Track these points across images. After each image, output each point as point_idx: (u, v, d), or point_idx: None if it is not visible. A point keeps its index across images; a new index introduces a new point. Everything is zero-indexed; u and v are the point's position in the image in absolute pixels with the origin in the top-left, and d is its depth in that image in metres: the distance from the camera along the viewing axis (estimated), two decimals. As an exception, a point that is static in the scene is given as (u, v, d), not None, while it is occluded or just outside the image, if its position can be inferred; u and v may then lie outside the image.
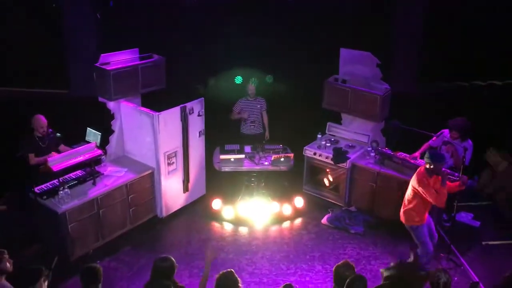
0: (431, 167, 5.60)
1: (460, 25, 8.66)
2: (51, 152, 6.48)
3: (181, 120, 6.97)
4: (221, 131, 8.13)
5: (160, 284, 4.07)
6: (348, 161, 7.33)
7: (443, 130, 6.80)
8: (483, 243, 6.80)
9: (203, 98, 7.21)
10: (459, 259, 6.41)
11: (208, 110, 7.33)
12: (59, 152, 6.58)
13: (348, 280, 3.96)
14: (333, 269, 4.33)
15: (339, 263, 4.34)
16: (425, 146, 6.97)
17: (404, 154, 7.06)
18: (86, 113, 7.65)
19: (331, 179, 7.56)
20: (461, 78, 9.40)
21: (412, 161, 6.82)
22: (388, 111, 7.61)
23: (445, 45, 8.71)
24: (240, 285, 3.98)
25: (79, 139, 7.08)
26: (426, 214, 5.90)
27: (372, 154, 7.36)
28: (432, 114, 7.76)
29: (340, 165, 7.39)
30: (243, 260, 6.47)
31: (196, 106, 7.14)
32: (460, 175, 6.10)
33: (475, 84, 9.41)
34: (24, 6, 7.98)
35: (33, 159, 6.44)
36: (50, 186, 6.21)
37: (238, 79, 7.52)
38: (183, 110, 6.94)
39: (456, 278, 6.04)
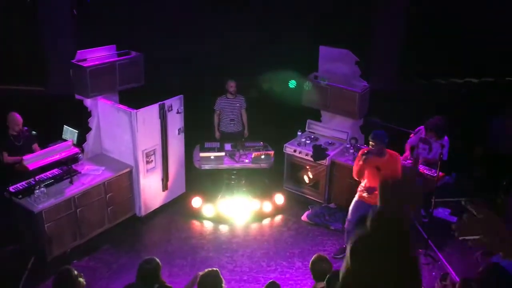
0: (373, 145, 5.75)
1: (439, 23, 8.78)
2: (26, 150, 6.36)
3: (160, 118, 6.91)
4: (201, 129, 8.08)
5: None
6: (327, 158, 7.37)
7: (420, 127, 6.89)
8: (460, 238, 6.89)
9: (182, 95, 7.15)
10: (437, 254, 6.50)
11: (187, 107, 7.28)
12: (32, 151, 6.45)
13: (327, 276, 3.98)
14: (309, 265, 4.37)
15: (313, 258, 4.38)
16: (408, 146, 7.04)
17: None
18: (63, 111, 7.53)
19: (311, 176, 7.59)
20: (439, 76, 9.53)
21: (404, 162, 6.78)
22: (367, 108, 7.67)
23: (424, 42, 8.82)
24: (223, 285, 3.97)
25: (56, 137, 6.97)
26: (358, 190, 6.13)
27: (351, 151, 7.41)
28: (411, 111, 7.84)
29: (319, 162, 7.42)
30: (223, 258, 6.46)
31: (175, 103, 7.09)
32: (437, 171, 6.21)
33: (452, 82, 9.56)
34: (0, 2, 7.81)
35: (7, 158, 6.31)
36: (26, 185, 6.09)
37: (292, 83, 7.48)
38: (161, 108, 6.88)
39: (434, 273, 6.13)
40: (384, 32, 8.92)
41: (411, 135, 6.99)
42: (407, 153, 6.97)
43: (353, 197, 7.15)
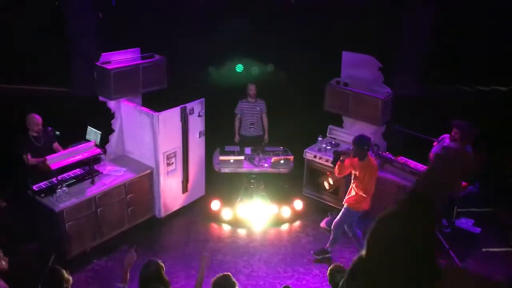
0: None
1: (465, 28, 8.60)
2: (47, 150, 6.44)
3: (181, 121, 6.96)
4: (221, 132, 8.11)
5: None
6: (348, 164, 7.28)
7: (444, 136, 6.75)
8: (483, 249, 6.74)
9: (203, 98, 7.19)
10: (458, 266, 6.35)
11: (209, 111, 7.32)
12: (53, 150, 6.56)
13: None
14: (328, 275, 4.34)
15: (331, 267, 4.33)
16: (432, 156, 6.91)
17: (405, 159, 7.02)
18: (87, 112, 7.64)
19: (331, 182, 7.52)
20: (465, 83, 9.34)
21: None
22: (390, 115, 7.57)
23: (450, 48, 8.65)
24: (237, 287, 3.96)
25: (79, 137, 7.07)
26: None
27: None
28: (436, 119, 7.70)
29: (340, 168, 7.34)
30: (240, 262, 6.45)
31: (197, 107, 7.13)
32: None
33: (478, 89, 9.35)
34: (27, 5, 7.99)
35: (31, 159, 6.42)
36: (48, 184, 6.21)
37: (239, 67, 7.38)
38: (183, 111, 6.93)
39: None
40: (408, 38, 8.80)
41: (434, 143, 6.86)
42: None
43: (373, 204, 7.09)
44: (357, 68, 7.55)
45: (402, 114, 7.60)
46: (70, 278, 4.11)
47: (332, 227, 6.42)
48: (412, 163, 6.92)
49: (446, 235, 6.87)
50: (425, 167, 6.80)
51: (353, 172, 6.10)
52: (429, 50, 8.83)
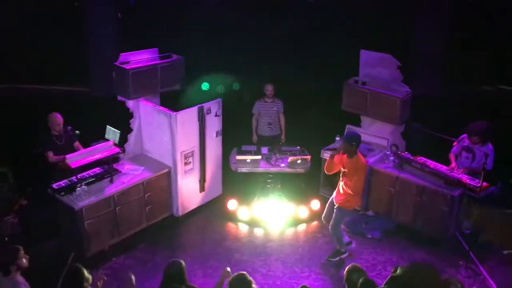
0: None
1: (486, 26, 8.45)
2: (68, 149, 6.56)
3: (199, 120, 6.99)
4: (238, 132, 8.12)
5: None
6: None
7: (464, 135, 6.65)
8: (504, 252, 6.60)
9: (220, 98, 7.21)
10: (479, 268, 6.24)
11: (226, 111, 7.34)
12: (74, 149, 6.66)
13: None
14: (344, 274, 4.32)
15: (348, 267, 4.32)
16: (452, 156, 6.82)
17: (424, 159, 6.93)
18: (106, 111, 7.73)
19: (348, 182, 7.45)
20: (486, 82, 9.18)
21: (451, 173, 6.58)
22: (408, 114, 7.47)
23: (470, 47, 8.51)
24: (253, 286, 3.95)
25: (98, 136, 7.16)
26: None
27: (391, 158, 7.24)
28: (456, 118, 7.58)
29: (358, 168, 7.29)
30: (257, 262, 6.45)
31: (214, 107, 7.15)
32: (480, 181, 5.98)
33: (500, 89, 9.18)
34: (47, 5, 8.12)
35: (52, 157, 6.54)
36: (68, 183, 6.30)
37: (205, 86, 7.25)
38: (200, 110, 6.96)
39: (475, 287, 5.90)
40: (427, 36, 8.67)
41: (454, 143, 6.75)
42: (453, 164, 6.71)
43: (392, 205, 7.04)
44: (376, 67, 7.48)
45: (421, 113, 7.51)
46: (90, 277, 4.18)
47: (330, 230, 6.35)
48: (432, 163, 6.82)
49: (466, 236, 6.77)
50: (444, 167, 6.70)
51: (342, 169, 6.08)
52: (448, 48, 8.70)
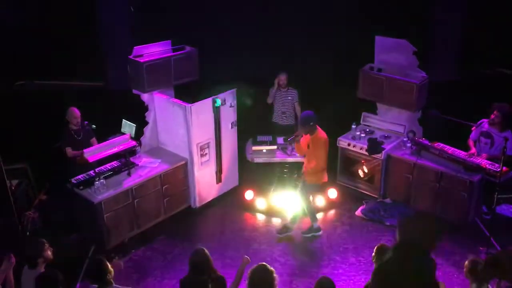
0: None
1: (504, 7, 8.26)
2: (85, 144, 6.63)
3: (213, 112, 6.99)
4: (253, 122, 8.10)
5: (195, 279, 4.11)
6: (383, 152, 7.16)
7: (482, 120, 6.55)
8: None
9: (235, 89, 7.19)
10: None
11: (240, 101, 7.32)
12: (91, 145, 6.72)
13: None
14: (374, 251, 4.38)
15: (379, 245, 4.44)
16: (471, 142, 6.73)
17: (442, 144, 6.84)
18: (122, 105, 7.77)
19: (366, 170, 7.41)
20: (505, 65, 8.99)
21: (469, 158, 6.51)
22: (425, 100, 7.38)
23: (488, 29, 8.32)
24: (275, 275, 3.94)
25: (115, 130, 7.20)
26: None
27: (408, 144, 7.17)
28: (474, 103, 7.45)
29: (375, 156, 7.24)
30: (275, 251, 6.46)
31: (228, 98, 7.14)
32: (500, 166, 5.90)
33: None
34: (60, 1, 8.16)
35: (70, 152, 6.61)
36: (87, 177, 6.37)
37: (218, 102, 7.17)
38: (215, 101, 6.95)
39: (496, 273, 5.82)
40: (443, 19, 8.50)
41: (473, 128, 6.65)
42: (473, 149, 6.62)
43: (410, 192, 6.98)
44: (391, 53, 7.38)
45: (438, 99, 7.40)
46: (112, 270, 4.24)
47: (303, 206, 6.66)
48: (450, 149, 6.74)
49: (486, 222, 6.68)
50: (463, 152, 6.61)
51: (306, 148, 6.36)
52: (466, 31, 8.52)
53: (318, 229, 6.73)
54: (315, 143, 6.25)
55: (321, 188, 6.92)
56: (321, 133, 6.31)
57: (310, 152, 6.32)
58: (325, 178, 6.57)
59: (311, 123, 6.19)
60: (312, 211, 6.73)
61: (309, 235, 6.71)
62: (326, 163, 6.45)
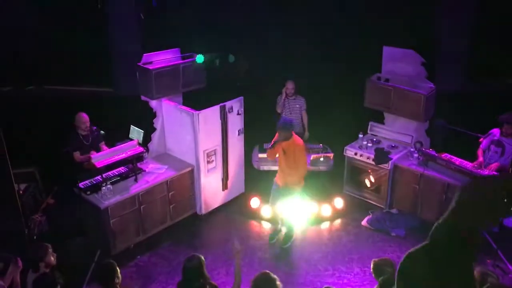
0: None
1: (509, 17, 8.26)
2: (94, 149, 6.68)
3: (221, 119, 7.02)
4: (260, 130, 8.11)
5: (190, 285, 4.12)
6: (390, 162, 7.15)
7: (491, 131, 6.53)
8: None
9: (242, 97, 7.22)
10: (507, 266, 6.12)
11: (248, 109, 7.35)
12: (100, 150, 6.77)
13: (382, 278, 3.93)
14: (372, 266, 4.33)
15: (377, 260, 4.33)
16: (480, 152, 6.70)
17: (450, 155, 6.82)
18: (130, 111, 7.83)
19: (372, 180, 7.40)
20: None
21: (476, 170, 6.48)
22: (433, 111, 7.37)
23: (495, 39, 8.32)
24: (278, 283, 3.94)
25: (123, 136, 7.26)
26: (278, 176, 6.65)
27: (416, 155, 7.15)
28: (481, 114, 7.43)
29: (382, 166, 7.22)
30: (280, 260, 6.45)
31: (236, 105, 7.18)
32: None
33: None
34: (71, 7, 8.26)
35: (78, 157, 6.66)
36: (94, 182, 6.41)
37: (199, 58, 7.18)
38: (222, 109, 6.99)
39: (503, 286, 5.77)
40: (450, 30, 8.51)
41: (480, 139, 6.63)
42: (481, 159, 6.59)
43: (417, 202, 6.96)
44: (399, 63, 7.39)
45: (446, 109, 7.38)
46: (120, 276, 4.26)
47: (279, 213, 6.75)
48: (457, 160, 6.71)
49: (493, 235, 6.63)
50: (470, 164, 6.58)
51: (281, 154, 6.40)
52: (473, 42, 8.52)
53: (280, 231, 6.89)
54: (296, 149, 6.31)
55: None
56: (298, 139, 6.44)
57: (290, 158, 6.33)
58: (302, 181, 6.64)
59: (290, 128, 6.33)
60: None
61: (288, 244, 6.74)
62: (306, 167, 6.57)
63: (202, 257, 4.30)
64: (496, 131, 6.56)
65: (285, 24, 8.34)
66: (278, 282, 3.86)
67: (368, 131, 7.98)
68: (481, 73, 8.74)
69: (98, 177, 6.41)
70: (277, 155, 6.53)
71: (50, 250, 4.57)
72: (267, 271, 3.98)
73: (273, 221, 6.97)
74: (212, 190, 7.32)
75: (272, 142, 6.42)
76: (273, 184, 6.73)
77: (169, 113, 7.23)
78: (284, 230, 6.84)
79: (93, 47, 8.30)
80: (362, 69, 7.83)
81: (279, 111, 7.85)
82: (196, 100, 7.32)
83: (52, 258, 4.57)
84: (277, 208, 6.77)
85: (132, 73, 7.17)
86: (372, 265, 4.42)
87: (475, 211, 1.99)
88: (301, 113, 7.85)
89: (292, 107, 7.80)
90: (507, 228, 6.76)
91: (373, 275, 4.41)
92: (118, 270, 4.27)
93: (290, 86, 7.67)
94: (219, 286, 4.42)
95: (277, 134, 6.40)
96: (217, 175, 7.33)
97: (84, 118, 6.71)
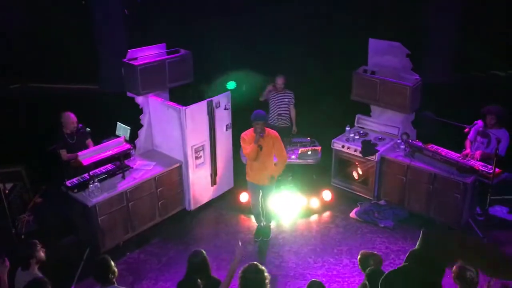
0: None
1: (497, 10, 8.33)
2: (80, 147, 6.63)
3: (208, 114, 7.01)
4: (248, 125, 8.11)
5: (191, 281, 4.13)
6: (377, 154, 7.20)
7: (477, 121, 6.60)
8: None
9: (229, 92, 7.21)
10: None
11: (235, 104, 7.34)
12: (86, 146, 6.73)
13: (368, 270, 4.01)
14: (358, 259, 4.37)
15: (362, 252, 4.39)
16: (468, 143, 6.76)
17: (436, 146, 6.89)
18: (116, 108, 7.78)
19: (360, 172, 7.45)
20: (497, 68, 9.06)
21: (463, 160, 6.53)
22: (419, 102, 7.42)
23: (481, 32, 8.39)
24: (266, 274, 3.95)
25: (109, 133, 7.21)
26: (249, 170, 6.47)
27: (402, 146, 7.20)
28: (467, 105, 7.51)
29: (369, 158, 7.27)
30: (270, 253, 6.48)
31: (223, 100, 7.16)
32: (493, 168, 5.94)
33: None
34: (54, 4, 8.18)
35: (65, 155, 6.61)
36: (81, 180, 6.37)
37: (231, 85, 7.29)
38: (210, 104, 6.97)
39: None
40: (437, 21, 8.56)
41: (466, 130, 6.70)
42: (468, 150, 6.66)
43: (404, 193, 7.01)
44: (385, 56, 7.42)
45: (431, 101, 7.44)
46: (116, 270, 4.26)
47: (262, 209, 6.66)
48: (443, 151, 6.78)
49: (479, 223, 6.73)
50: (456, 154, 6.65)
51: (257, 151, 6.20)
52: (459, 34, 8.59)
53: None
54: (275, 140, 6.27)
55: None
56: (271, 130, 6.39)
57: (269, 151, 6.27)
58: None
59: (267, 118, 6.33)
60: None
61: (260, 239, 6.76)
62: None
63: (204, 252, 4.34)
64: (480, 122, 6.63)
65: (272, 18, 8.34)
66: (266, 274, 3.87)
67: (355, 124, 8.02)
68: (467, 64, 8.81)
69: (85, 175, 6.37)
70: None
71: (39, 245, 4.56)
72: (255, 262, 3.99)
73: (256, 219, 6.88)
74: (200, 186, 7.32)
75: (257, 139, 6.13)
76: (249, 184, 6.60)
77: (155, 109, 7.19)
78: (264, 223, 6.79)
79: (78, 43, 8.23)
80: (349, 62, 7.85)
81: (261, 99, 7.82)
82: (183, 96, 7.29)
83: (42, 254, 4.56)
84: (259, 206, 6.68)
85: (117, 69, 7.11)
86: (359, 256, 4.45)
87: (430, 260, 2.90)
88: (289, 107, 7.86)
89: (281, 101, 7.80)
90: (492, 216, 6.86)
91: (359, 266, 4.44)
92: (113, 264, 4.25)
93: (280, 81, 7.66)
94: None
95: (252, 129, 6.22)
96: (206, 171, 7.33)
97: (71, 118, 6.64)
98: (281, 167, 6.47)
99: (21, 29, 8.17)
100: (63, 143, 6.64)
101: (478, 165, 6.39)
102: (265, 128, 6.25)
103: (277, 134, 6.40)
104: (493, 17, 8.35)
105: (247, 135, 6.32)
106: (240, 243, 4.52)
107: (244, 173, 7.70)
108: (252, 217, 7.23)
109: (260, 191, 6.55)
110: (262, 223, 6.81)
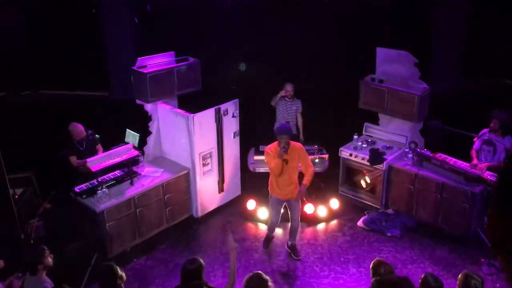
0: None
1: (506, 18, 8.30)
2: (89, 153, 6.70)
3: (216, 122, 7.05)
4: (256, 132, 8.15)
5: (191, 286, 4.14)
6: (385, 162, 7.18)
7: (483, 131, 6.57)
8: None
9: (237, 99, 7.26)
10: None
11: (243, 111, 7.37)
12: (96, 152, 6.79)
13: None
14: (371, 267, 4.38)
15: (375, 260, 4.39)
16: (474, 153, 6.73)
17: (444, 155, 6.86)
18: (125, 115, 7.85)
19: (368, 181, 7.43)
20: (507, 76, 9.02)
21: (471, 170, 6.51)
22: (427, 111, 7.40)
23: (490, 39, 8.37)
24: (270, 283, 3.94)
25: (119, 140, 7.28)
26: (274, 185, 6.23)
27: (410, 155, 7.18)
28: (476, 114, 7.46)
29: (377, 166, 7.26)
30: (276, 261, 6.47)
31: (231, 108, 7.20)
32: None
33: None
34: (65, 12, 8.29)
35: (75, 161, 6.69)
36: (90, 186, 6.42)
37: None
38: (217, 112, 7.02)
39: (498, 285, 5.81)
40: (445, 30, 8.56)
41: (475, 139, 6.67)
42: (475, 160, 6.62)
43: (412, 202, 6.98)
44: (392, 64, 7.42)
45: (440, 110, 7.42)
46: (124, 274, 4.28)
47: (296, 225, 6.50)
48: (451, 160, 6.75)
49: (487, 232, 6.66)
50: (464, 163, 6.62)
51: (284, 164, 6.03)
52: (467, 42, 8.57)
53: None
54: (300, 152, 6.09)
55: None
56: (295, 142, 6.23)
57: (294, 164, 6.08)
58: None
59: (292, 132, 6.22)
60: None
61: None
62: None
63: (202, 261, 4.32)
64: (487, 131, 6.60)
65: (281, 28, 8.38)
66: (270, 283, 3.87)
67: (363, 132, 8.02)
68: (475, 73, 8.78)
69: (94, 181, 6.43)
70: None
71: (47, 251, 4.60)
72: (260, 271, 3.99)
73: (269, 230, 6.77)
74: (208, 193, 7.34)
75: (281, 154, 5.91)
76: (272, 199, 6.40)
77: (164, 116, 7.25)
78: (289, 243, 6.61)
79: (88, 51, 8.33)
80: (357, 70, 7.86)
81: (272, 103, 7.82)
82: (191, 103, 7.34)
83: (50, 260, 4.60)
84: (278, 222, 6.58)
85: (127, 77, 7.19)
86: (373, 261, 4.45)
87: None
88: (296, 115, 7.88)
89: (289, 109, 7.82)
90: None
91: (371, 271, 4.43)
92: (119, 270, 4.26)
93: (289, 88, 7.69)
94: None
95: (276, 142, 6.02)
96: (213, 178, 7.35)
97: (79, 128, 6.73)
98: (309, 180, 6.18)
99: (31, 37, 8.28)
100: (73, 149, 6.71)
101: (486, 174, 6.35)
102: (290, 141, 6.00)
103: (301, 146, 6.22)
104: (502, 25, 8.32)
105: (271, 149, 6.06)
106: (230, 235, 4.50)
107: (251, 181, 7.76)
108: (260, 224, 7.24)
109: (286, 206, 6.43)
110: (271, 235, 6.78)
